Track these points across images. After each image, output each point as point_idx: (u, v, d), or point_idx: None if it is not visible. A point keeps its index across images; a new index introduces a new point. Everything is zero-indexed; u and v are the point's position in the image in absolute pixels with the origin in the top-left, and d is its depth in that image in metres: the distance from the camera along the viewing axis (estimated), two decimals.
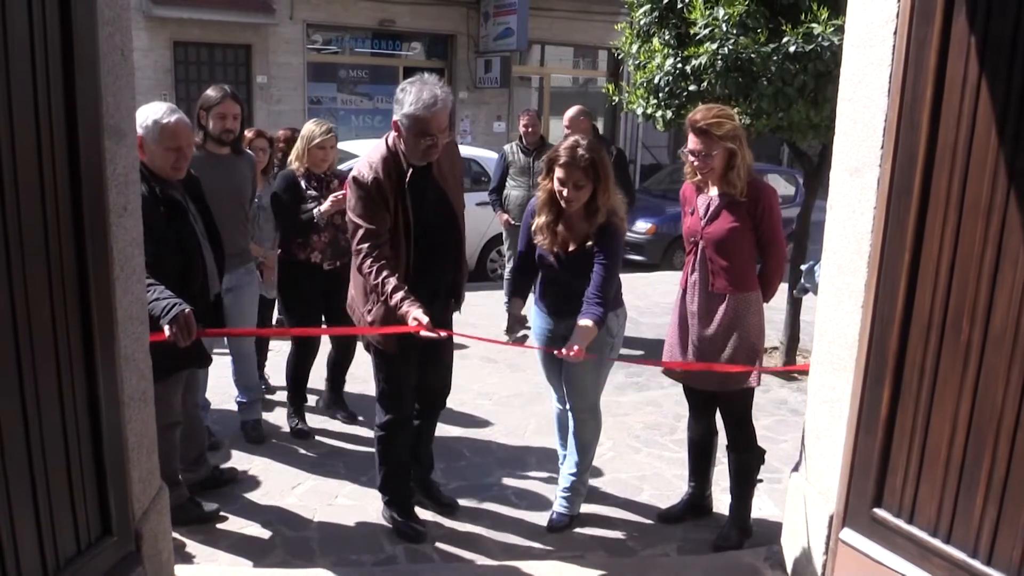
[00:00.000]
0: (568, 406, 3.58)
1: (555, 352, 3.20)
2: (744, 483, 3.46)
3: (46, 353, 2.03)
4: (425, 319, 3.02)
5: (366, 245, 3.15)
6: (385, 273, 3.12)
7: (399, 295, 3.09)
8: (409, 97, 3.09)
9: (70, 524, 2.16)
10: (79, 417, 2.19)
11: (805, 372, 3.16)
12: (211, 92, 4.03)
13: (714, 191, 3.27)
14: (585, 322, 3.17)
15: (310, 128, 4.41)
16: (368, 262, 3.14)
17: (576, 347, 3.10)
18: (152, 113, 3.12)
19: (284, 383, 4.77)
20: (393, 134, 3.23)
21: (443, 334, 3.12)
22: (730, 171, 3.18)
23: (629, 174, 5.97)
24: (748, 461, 3.43)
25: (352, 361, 4.79)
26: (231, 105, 3.99)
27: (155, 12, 11.88)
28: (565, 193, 3.21)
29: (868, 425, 2.56)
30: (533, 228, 3.39)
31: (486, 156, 9.02)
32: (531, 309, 3.64)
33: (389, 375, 3.41)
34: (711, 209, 3.27)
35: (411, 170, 3.21)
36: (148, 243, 2.62)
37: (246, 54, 13.14)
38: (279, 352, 5.79)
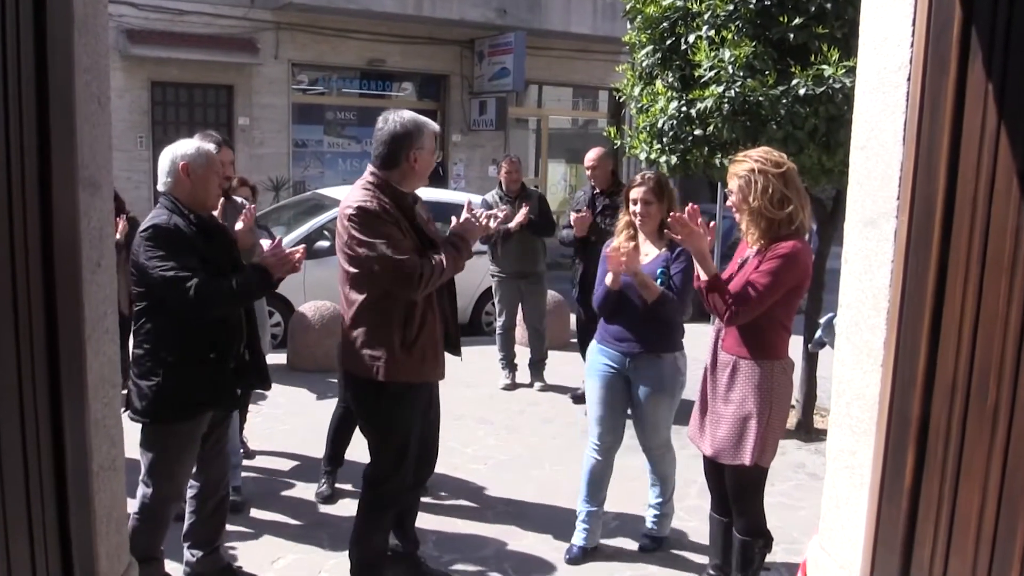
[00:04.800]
0: (642, 446, 3.98)
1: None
2: (744, 570, 3.39)
3: (11, 417, 2.02)
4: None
5: (406, 256, 3.18)
6: (435, 257, 3.25)
7: (448, 248, 3.29)
8: (424, 126, 3.31)
9: None
10: (44, 487, 2.17)
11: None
12: (208, 144, 4.16)
13: (755, 248, 3.28)
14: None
15: None
16: (427, 267, 3.21)
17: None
18: (191, 143, 3.38)
19: (264, 447, 4.74)
20: (373, 176, 3.32)
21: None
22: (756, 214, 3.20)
23: None
24: (748, 547, 3.36)
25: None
26: (227, 152, 4.29)
27: (132, 51, 12.09)
28: (637, 209, 3.83)
29: (892, 493, 2.55)
30: (608, 251, 3.74)
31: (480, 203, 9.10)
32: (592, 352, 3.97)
33: (396, 421, 3.35)
34: (739, 262, 3.33)
35: (413, 198, 3.38)
36: (196, 265, 3.10)
37: (228, 95, 13.35)
38: (259, 414, 5.77)
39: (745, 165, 3.20)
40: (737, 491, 3.35)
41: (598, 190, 6.22)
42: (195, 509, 3.51)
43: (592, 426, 3.96)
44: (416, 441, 3.41)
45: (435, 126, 3.39)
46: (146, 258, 3.10)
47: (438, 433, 3.67)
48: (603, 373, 3.89)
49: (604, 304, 3.89)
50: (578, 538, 4.02)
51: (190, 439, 3.26)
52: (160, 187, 3.30)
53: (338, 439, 4.63)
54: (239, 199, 4.50)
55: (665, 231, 3.67)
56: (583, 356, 6.65)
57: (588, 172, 6.25)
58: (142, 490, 3.27)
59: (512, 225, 6.34)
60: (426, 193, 8.62)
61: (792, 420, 5.98)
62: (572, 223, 6.01)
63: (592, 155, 6.19)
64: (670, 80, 5.47)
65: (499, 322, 6.99)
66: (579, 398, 6.57)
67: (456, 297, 3.58)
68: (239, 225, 4.23)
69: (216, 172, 3.40)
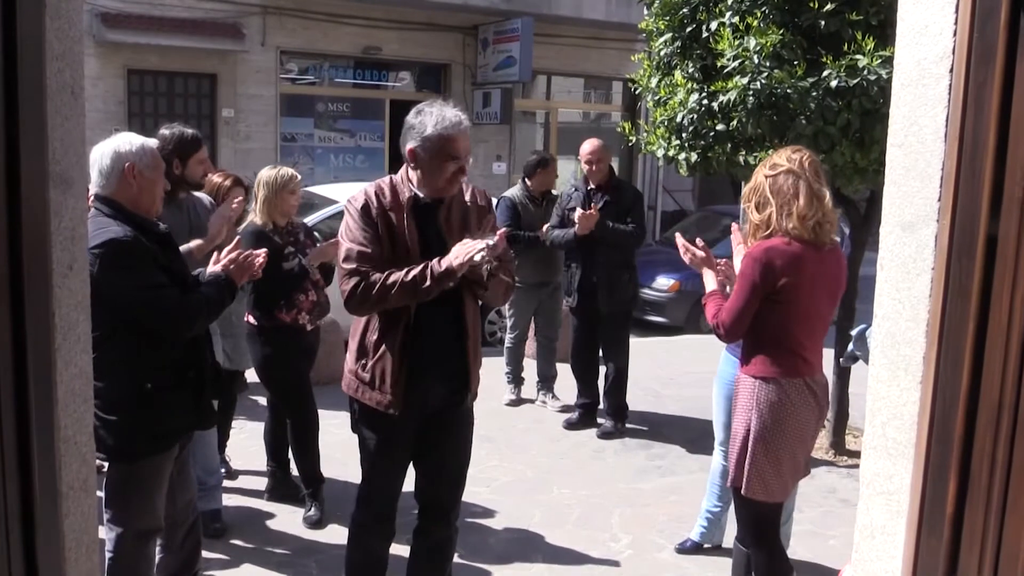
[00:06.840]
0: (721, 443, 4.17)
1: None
2: None
3: None
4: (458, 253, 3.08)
5: (354, 266, 3.12)
6: (387, 272, 3.10)
7: (416, 269, 3.09)
8: (430, 119, 3.16)
9: None
10: (9, 509, 2.17)
11: None
12: (187, 137, 4.28)
13: None
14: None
15: (271, 174, 4.53)
16: (365, 282, 3.10)
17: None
18: (133, 139, 3.20)
19: (248, 467, 4.74)
20: (401, 170, 3.28)
21: (494, 241, 3.12)
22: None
23: (641, 212, 6.23)
24: None
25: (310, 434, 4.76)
26: (204, 149, 4.41)
27: (108, 36, 12.11)
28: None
29: (932, 522, 2.54)
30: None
31: None
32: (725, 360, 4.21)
33: (373, 455, 3.35)
34: None
35: (414, 199, 3.22)
36: (165, 279, 3.03)
37: (211, 84, 13.37)
38: (243, 430, 5.77)
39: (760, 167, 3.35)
40: (744, 520, 3.36)
41: (594, 186, 6.19)
42: (164, 542, 3.40)
43: (715, 430, 4.29)
44: (385, 472, 3.39)
45: (454, 124, 3.17)
46: (109, 278, 2.93)
47: (448, 473, 3.47)
48: (720, 374, 4.23)
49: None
50: (695, 533, 4.46)
51: (168, 466, 3.22)
52: (95, 188, 3.14)
53: (298, 454, 4.69)
54: (204, 195, 4.49)
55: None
56: (575, 374, 6.53)
57: (587, 166, 6.19)
58: (115, 531, 3.14)
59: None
60: None
61: (822, 441, 5.96)
62: (576, 220, 5.94)
63: (592, 147, 6.16)
64: (690, 71, 5.47)
65: (511, 334, 6.95)
66: (572, 424, 6.47)
67: (476, 333, 3.53)
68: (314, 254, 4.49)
69: (163, 173, 3.32)
